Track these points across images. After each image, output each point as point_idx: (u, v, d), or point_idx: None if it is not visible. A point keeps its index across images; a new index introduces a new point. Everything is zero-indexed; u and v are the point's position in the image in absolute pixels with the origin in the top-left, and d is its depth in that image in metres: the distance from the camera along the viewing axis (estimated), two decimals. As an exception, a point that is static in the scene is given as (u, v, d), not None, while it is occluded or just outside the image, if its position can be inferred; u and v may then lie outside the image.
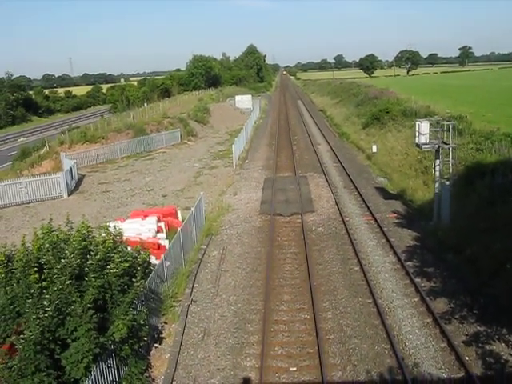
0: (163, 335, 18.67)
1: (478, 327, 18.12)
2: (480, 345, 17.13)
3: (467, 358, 16.33)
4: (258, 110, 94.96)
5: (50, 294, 13.91)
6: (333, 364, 16.61)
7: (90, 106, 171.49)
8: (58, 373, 13.38)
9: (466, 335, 17.76)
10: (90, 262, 15.32)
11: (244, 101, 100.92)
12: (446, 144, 27.86)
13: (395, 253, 25.01)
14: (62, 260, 15.05)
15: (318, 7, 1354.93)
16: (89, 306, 13.93)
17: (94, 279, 14.68)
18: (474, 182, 28.44)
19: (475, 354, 16.68)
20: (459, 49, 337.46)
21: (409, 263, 23.86)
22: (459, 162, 31.55)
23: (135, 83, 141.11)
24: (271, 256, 25.39)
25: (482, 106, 61.11)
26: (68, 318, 13.80)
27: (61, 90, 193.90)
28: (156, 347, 17.94)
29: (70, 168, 42.75)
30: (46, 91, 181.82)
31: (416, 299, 20.51)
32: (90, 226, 17.38)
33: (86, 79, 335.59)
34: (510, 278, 16.98)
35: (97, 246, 16.34)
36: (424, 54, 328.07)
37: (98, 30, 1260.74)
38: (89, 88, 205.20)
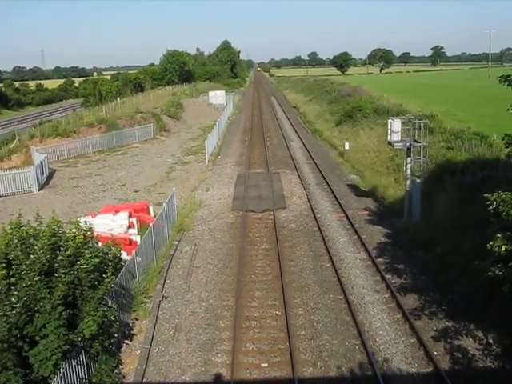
0: (134, 332, 18.56)
1: (447, 323, 18.38)
2: (448, 340, 17.38)
3: (436, 353, 16.55)
4: (231, 105, 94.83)
5: (19, 291, 13.72)
6: (304, 360, 16.69)
7: (61, 100, 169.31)
8: (26, 371, 13.21)
9: (435, 331, 18.00)
10: (59, 257, 15.15)
11: (217, 96, 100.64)
12: (418, 142, 28.15)
13: (366, 249, 25.20)
14: (31, 256, 14.85)
15: (293, 4, 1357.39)
16: (58, 302, 13.78)
17: (63, 275, 14.52)
18: (444, 180, 28.77)
19: (443, 349, 16.92)
20: (431, 48, 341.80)
21: (380, 260, 24.07)
22: (430, 160, 31.91)
23: (108, 77, 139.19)
24: (243, 252, 25.39)
25: (454, 105, 61.90)
26: (37, 314, 13.63)
27: (32, 83, 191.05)
28: (127, 344, 17.82)
29: (41, 162, 42.21)
30: (17, 84, 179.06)
31: (386, 295, 20.71)
32: (60, 222, 17.16)
33: (58, 72, 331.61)
34: (479, 276, 17.22)
35: (67, 241, 16.17)
36: (397, 53, 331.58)
37: (71, 22, 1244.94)
38: (61, 81, 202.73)
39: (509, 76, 15.42)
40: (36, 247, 15.23)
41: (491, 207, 14.38)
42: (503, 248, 14.00)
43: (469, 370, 15.80)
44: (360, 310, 19.69)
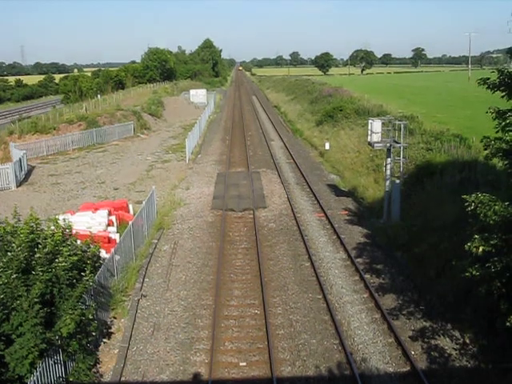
0: (112, 330, 18.46)
1: (425, 323, 18.55)
2: (426, 340, 17.55)
3: (413, 353, 16.71)
4: (212, 104, 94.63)
5: (-5, 288, 13.60)
6: (282, 359, 16.72)
7: (41, 96, 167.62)
8: (1, 370, 13.09)
9: (413, 330, 18.16)
10: (37, 255, 15.05)
11: (199, 95, 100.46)
12: (398, 143, 28.34)
13: (345, 249, 25.31)
14: (9, 253, 14.76)
15: (275, 4, 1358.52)
16: (35, 300, 13.67)
17: (41, 273, 14.42)
18: (423, 181, 29.00)
19: (421, 349, 17.08)
20: (412, 50, 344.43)
21: (359, 260, 24.21)
22: (410, 161, 32.15)
23: (89, 74, 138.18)
24: (222, 251, 25.37)
25: (434, 106, 62.43)
26: (13, 312, 13.51)
27: (11, 79, 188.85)
28: (105, 342, 17.72)
29: (20, 159, 41.72)
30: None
31: (365, 295, 20.83)
32: (38, 219, 17.05)
33: (38, 68, 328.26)
34: (456, 276, 17.42)
35: (45, 238, 16.07)
36: (378, 54, 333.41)
37: (52, 18, 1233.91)
38: (41, 77, 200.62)
39: (488, 79, 15.57)
40: (13, 244, 15.12)
41: (469, 208, 14.52)
42: (480, 249, 14.15)
43: (445, 370, 15.96)
44: (339, 309, 19.78)
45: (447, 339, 17.48)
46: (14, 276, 13.95)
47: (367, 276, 22.42)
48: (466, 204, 14.59)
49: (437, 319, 18.60)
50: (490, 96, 16.17)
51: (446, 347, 17.05)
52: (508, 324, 13.79)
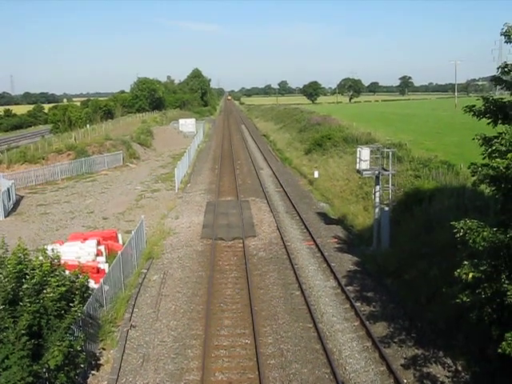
0: (101, 362, 18.20)
1: (416, 350, 18.44)
2: (418, 367, 17.43)
3: (405, 381, 16.58)
4: (201, 133, 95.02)
5: (-18, 320, 13.42)
6: (273, 389, 16.54)
7: (30, 126, 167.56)
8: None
9: (405, 358, 18.04)
10: (25, 286, 14.91)
11: (188, 124, 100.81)
12: (386, 170, 28.50)
13: (336, 277, 25.25)
14: (-4, 284, 14.56)
15: (264, 33, 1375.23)
16: (23, 332, 13.51)
17: (29, 304, 14.27)
18: (412, 208, 29.08)
19: (413, 377, 16.97)
20: (399, 78, 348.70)
21: (349, 288, 24.13)
22: (398, 188, 32.30)
23: (78, 104, 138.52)
24: (212, 280, 25.23)
25: (421, 134, 62.87)
26: (0, 345, 13.31)
27: (0, 108, 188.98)
28: (93, 374, 17.46)
29: (8, 189, 41.53)
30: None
31: (356, 323, 20.73)
32: (26, 249, 16.90)
33: (28, 98, 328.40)
34: (446, 303, 17.37)
35: (33, 269, 15.92)
36: (366, 82, 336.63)
37: (41, 48, 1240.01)
38: (30, 107, 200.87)
39: (473, 106, 15.75)
40: (1, 275, 14.98)
41: (458, 235, 14.54)
42: (470, 275, 14.14)
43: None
44: (330, 338, 19.65)
45: (439, 367, 17.38)
46: (1, 307, 13.81)
47: (358, 304, 22.34)
48: (455, 230, 14.61)
49: (428, 346, 18.50)
50: (477, 123, 16.35)
51: (439, 375, 16.93)
52: (500, 350, 13.71)
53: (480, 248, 14.14)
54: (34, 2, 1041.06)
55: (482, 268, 14.17)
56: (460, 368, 17.12)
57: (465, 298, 14.62)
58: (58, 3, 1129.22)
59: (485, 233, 14.00)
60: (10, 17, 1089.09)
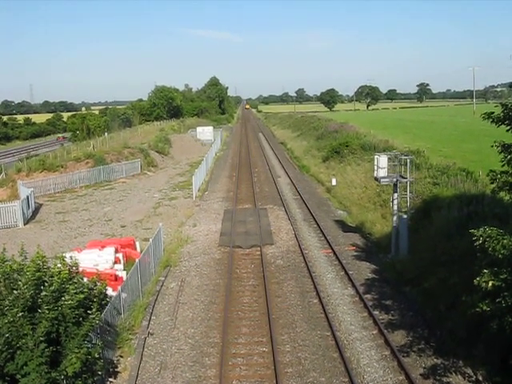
0: (118, 369, 18.22)
1: (436, 360, 18.23)
2: (437, 377, 17.22)
3: (424, 392, 16.39)
4: (219, 141, 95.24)
5: (1, 327, 13.51)
6: (291, 398, 16.44)
7: (49, 134, 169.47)
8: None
9: (424, 368, 17.84)
10: (43, 293, 14.97)
11: (205, 132, 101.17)
12: (404, 178, 28.34)
13: (354, 285, 25.10)
14: (15, 291, 14.68)
15: (281, 41, 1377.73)
16: (41, 339, 13.57)
17: (47, 311, 14.33)
18: (431, 216, 28.88)
19: (432, 387, 16.76)
20: (417, 85, 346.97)
21: (367, 296, 23.97)
22: (417, 195, 32.09)
23: (96, 112, 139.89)
24: (230, 288, 25.19)
25: (439, 141, 62.57)
26: (18, 351, 13.39)
27: (20, 117, 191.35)
28: (111, 382, 17.48)
29: (27, 196, 41.95)
30: (5, 118, 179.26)
31: (374, 332, 20.56)
32: (45, 257, 17.00)
33: (47, 107, 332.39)
34: (466, 311, 17.17)
35: (51, 276, 15.99)
36: (383, 90, 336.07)
37: (61, 57, 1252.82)
38: (49, 116, 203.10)
39: (492, 113, 15.60)
40: (20, 282, 15.05)
41: (477, 243, 14.38)
42: (490, 283, 13.96)
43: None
44: (348, 346, 19.51)
45: (459, 376, 17.15)
46: (20, 314, 13.87)
47: (376, 312, 22.17)
48: (474, 238, 14.46)
49: (448, 356, 18.28)
50: (496, 130, 16.18)
51: (458, 385, 16.72)
52: (521, 360, 13.53)
53: (500, 256, 13.97)
54: (53, 12, 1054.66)
55: (502, 276, 13.99)
56: (481, 378, 16.89)
57: (485, 307, 14.44)
58: (77, 13, 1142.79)
59: (505, 240, 13.84)
60: (30, 26, 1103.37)
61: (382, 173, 28.73)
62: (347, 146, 59.01)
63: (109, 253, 26.28)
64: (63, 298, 15.03)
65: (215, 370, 18.13)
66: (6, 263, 16.52)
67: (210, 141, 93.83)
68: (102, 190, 54.19)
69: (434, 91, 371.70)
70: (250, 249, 31.73)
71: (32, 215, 42.20)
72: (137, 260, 23.66)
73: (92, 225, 38.91)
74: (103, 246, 27.44)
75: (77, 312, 15.10)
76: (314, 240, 33.36)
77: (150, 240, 26.74)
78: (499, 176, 14.90)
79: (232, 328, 21.15)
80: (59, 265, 16.91)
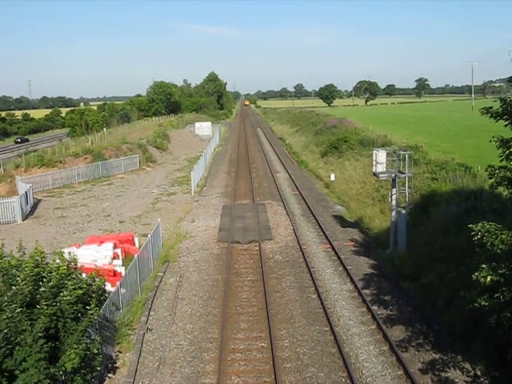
0: (117, 365, 18.24)
1: (434, 354, 18.27)
2: (436, 372, 17.25)
3: (423, 386, 16.42)
4: (217, 137, 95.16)
5: (-1, 323, 13.49)
6: (289, 393, 16.47)
7: (48, 130, 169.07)
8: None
9: (422, 363, 17.87)
10: (42, 289, 14.96)
11: (204, 128, 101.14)
12: (403, 173, 28.33)
13: (352, 281, 25.12)
14: (13, 287, 14.68)
15: (280, 36, 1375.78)
16: (40, 334, 13.56)
17: (46, 307, 14.32)
18: (429, 211, 28.89)
19: (431, 382, 16.79)
20: (416, 81, 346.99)
21: (366, 291, 23.99)
22: (415, 190, 32.10)
23: (95, 108, 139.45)
24: (228, 284, 25.21)
25: (438, 136, 62.54)
26: (17, 347, 13.39)
27: (18, 113, 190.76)
28: (109, 377, 17.50)
29: (26, 192, 41.90)
30: (3, 113, 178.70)
31: (373, 327, 20.58)
32: (43, 252, 16.99)
33: (45, 102, 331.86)
34: (464, 306, 17.20)
35: (50, 272, 15.98)
36: (382, 85, 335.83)
37: (59, 52, 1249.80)
38: (47, 111, 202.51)
39: (490, 108, 15.58)
40: (18, 278, 15.04)
41: (476, 238, 14.39)
42: (488, 278, 13.98)
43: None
44: (346, 341, 19.53)
45: (458, 371, 17.19)
46: (19, 310, 13.86)
47: (374, 307, 22.19)
48: (473, 233, 14.47)
49: (446, 351, 18.32)
50: (494, 125, 16.17)
51: (457, 380, 16.75)
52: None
53: (498, 251, 14.00)
54: (51, 6, 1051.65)
55: (500, 271, 14.01)
56: (479, 373, 16.93)
57: (483, 303, 14.47)
58: (75, 8, 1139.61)
59: (503, 235, 13.86)
60: (28, 21, 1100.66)
61: (381, 168, 28.71)
62: (346, 142, 58.97)
63: (107, 248, 26.29)
64: (62, 294, 15.02)
65: (214, 365, 18.15)
66: (5, 259, 16.54)
67: (209, 136, 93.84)
68: (101, 185, 54.14)
69: (432, 86, 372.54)
70: (248, 244, 31.73)
71: (30, 211, 42.16)
72: (135, 255, 23.66)
73: (90, 220, 38.89)
74: (102, 242, 27.45)
75: (75, 308, 15.10)
76: (313, 235, 33.36)
77: (149, 235, 26.74)
78: (498, 171, 14.89)
79: (231, 323, 21.17)
80: (58, 260, 16.92)
